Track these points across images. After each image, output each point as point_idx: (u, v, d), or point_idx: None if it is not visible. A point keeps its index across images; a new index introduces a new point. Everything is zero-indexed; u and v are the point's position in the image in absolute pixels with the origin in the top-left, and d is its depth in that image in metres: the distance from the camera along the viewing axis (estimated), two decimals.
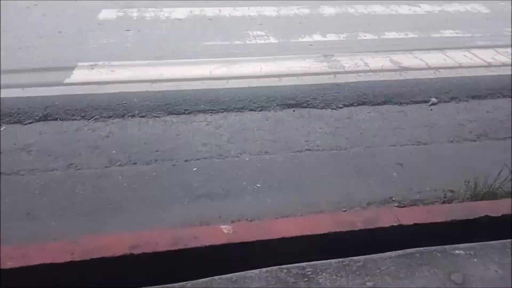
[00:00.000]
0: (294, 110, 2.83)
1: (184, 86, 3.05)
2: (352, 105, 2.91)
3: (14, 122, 2.58)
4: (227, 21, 4.29)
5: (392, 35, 4.07)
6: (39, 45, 3.61)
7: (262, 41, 3.87)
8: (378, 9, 4.74)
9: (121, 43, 3.73)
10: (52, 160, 2.26)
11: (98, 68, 3.24)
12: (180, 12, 4.45)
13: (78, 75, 3.14)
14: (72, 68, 3.22)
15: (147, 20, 4.25)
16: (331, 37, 3.99)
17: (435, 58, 3.57)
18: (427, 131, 2.63)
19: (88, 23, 4.12)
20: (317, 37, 3.98)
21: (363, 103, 2.92)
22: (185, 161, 2.30)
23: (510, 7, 4.93)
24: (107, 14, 4.36)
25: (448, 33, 4.16)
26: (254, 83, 3.13)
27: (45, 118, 2.63)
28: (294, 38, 3.96)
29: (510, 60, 3.57)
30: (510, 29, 4.27)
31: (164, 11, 4.48)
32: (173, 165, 2.26)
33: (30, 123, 2.59)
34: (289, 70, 3.33)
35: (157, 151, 2.37)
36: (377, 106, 2.90)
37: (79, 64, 3.29)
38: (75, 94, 2.87)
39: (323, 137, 2.54)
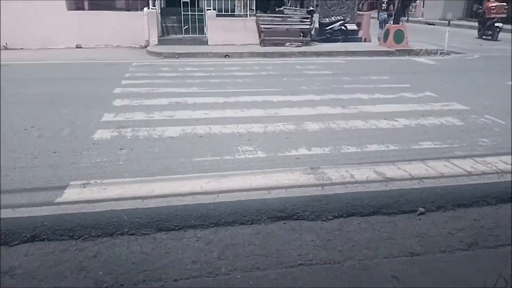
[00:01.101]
0: (284, 223, 2.84)
1: (175, 201, 3.08)
2: (341, 216, 2.93)
3: (1, 244, 2.53)
4: (217, 138, 4.50)
5: (374, 147, 4.29)
6: (33, 165, 3.70)
7: (251, 156, 4.03)
8: (359, 124, 5.06)
9: (114, 161, 3.84)
10: (36, 284, 2.16)
11: (90, 187, 3.29)
12: (173, 131, 4.68)
13: (70, 194, 3.17)
14: (64, 187, 3.26)
15: (140, 139, 4.45)
16: (317, 150, 4.18)
17: (417, 169, 3.72)
18: (418, 241, 2.63)
19: (83, 143, 4.28)
20: (303, 151, 4.16)
21: (353, 214, 2.95)
22: (174, 280, 2.22)
23: (482, 119, 5.31)
24: (102, 134, 4.56)
25: (426, 144, 4.39)
26: (244, 196, 3.18)
27: (32, 239, 2.59)
28: (281, 152, 4.13)
29: (489, 169, 3.74)
30: (484, 140, 4.54)
31: (157, 130, 4.71)
32: (162, 285, 2.17)
33: (17, 244, 2.54)
34: (277, 183, 3.42)
35: (145, 270, 2.30)
36: (366, 217, 2.93)
37: (71, 183, 3.34)
38: (65, 214, 2.86)
39: (315, 250, 2.51)
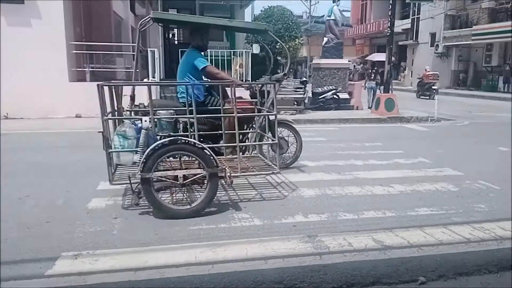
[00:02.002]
0: None
1: (168, 273, 2.99)
2: (341, 287, 2.84)
3: None
4: (213, 205, 4.47)
5: (370, 214, 4.26)
6: (25, 235, 3.63)
7: (247, 223, 3.99)
8: (354, 190, 5.08)
9: (107, 231, 3.78)
10: None
11: (81, 258, 3.21)
12: None
13: (61, 266, 3.08)
14: (55, 258, 3.18)
15: (135, 208, 4.40)
16: (313, 217, 4.15)
17: (415, 236, 3.67)
18: None
19: (77, 212, 4.24)
20: (299, 218, 4.13)
21: (352, 285, 2.86)
22: None
23: (477, 185, 5.35)
24: (97, 203, 4.53)
25: (423, 210, 4.38)
26: (240, 267, 3.10)
27: None
28: (278, 219, 4.10)
29: (487, 236, 3.70)
30: (480, 205, 4.54)
31: None
32: None
33: None
34: (275, 252, 3.35)
35: None
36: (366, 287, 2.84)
37: (63, 254, 3.26)
38: (54, 287, 2.76)
39: None
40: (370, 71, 17.76)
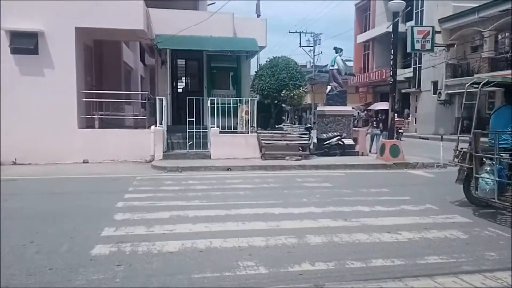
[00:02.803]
0: None
1: None
2: None
3: None
4: (217, 252, 4.41)
5: (379, 262, 4.17)
6: (27, 283, 3.58)
7: (253, 272, 3.90)
8: (362, 237, 4.99)
9: (110, 278, 3.71)
10: None
11: None
12: (172, 245, 4.61)
13: None
14: None
15: (139, 254, 4.35)
16: (320, 265, 4.06)
17: (425, 285, 3.57)
18: None
19: (80, 259, 4.18)
20: (306, 266, 4.04)
21: None
22: None
23: (486, 232, 5.25)
24: (101, 249, 4.48)
25: (432, 259, 4.28)
26: None
27: None
28: (284, 267, 4.01)
29: (500, 285, 3.59)
30: (491, 253, 4.43)
31: (156, 244, 4.64)
32: None
33: None
34: None
35: None
36: None
37: None
38: None
39: None
40: (374, 118, 18.11)
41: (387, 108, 16.35)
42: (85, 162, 11.64)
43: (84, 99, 12.01)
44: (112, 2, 12.37)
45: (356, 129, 15.75)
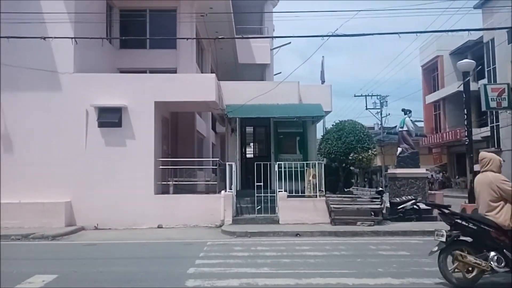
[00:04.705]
0: None
1: None
2: None
3: None
4: None
5: None
6: None
7: None
8: None
9: None
10: None
11: None
12: None
13: None
14: None
15: None
16: None
17: None
18: None
19: None
20: None
21: None
22: None
23: None
24: None
25: None
26: None
27: None
28: None
29: None
30: None
31: None
32: None
33: None
34: None
35: None
36: None
37: None
38: None
39: None
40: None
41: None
42: (159, 227, 12.11)
43: (161, 167, 12.79)
44: (187, 77, 13.54)
45: (432, 192, 14.89)
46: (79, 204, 12.08)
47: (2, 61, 11.97)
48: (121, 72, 15.18)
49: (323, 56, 20.79)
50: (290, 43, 23.11)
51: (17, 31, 11.41)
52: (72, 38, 11.55)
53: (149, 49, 16.14)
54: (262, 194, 12.28)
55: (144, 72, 15.00)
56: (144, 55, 15.89)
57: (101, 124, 12.43)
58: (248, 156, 15.69)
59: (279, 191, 12.29)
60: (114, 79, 13.27)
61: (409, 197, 13.01)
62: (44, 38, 11.27)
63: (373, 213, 12.15)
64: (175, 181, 12.86)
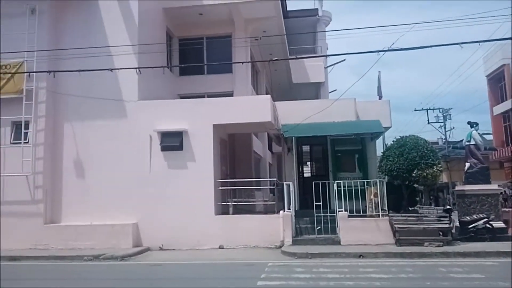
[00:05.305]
0: None
1: None
2: None
3: None
4: None
5: None
6: None
7: None
8: None
9: None
10: None
11: None
12: None
13: None
14: None
15: None
16: None
17: None
18: None
19: None
20: None
21: None
22: None
23: None
24: None
25: None
26: None
27: None
28: None
29: None
30: None
31: None
32: None
33: None
34: None
35: None
36: None
37: None
38: None
39: None
40: None
41: None
42: (220, 247, 12.28)
43: (220, 188, 13.06)
44: (242, 99, 13.86)
45: (507, 209, 13.81)
46: (145, 225, 12.60)
47: (71, 92, 13.11)
48: (181, 97, 15.88)
49: (379, 71, 20.23)
50: (344, 60, 22.93)
51: (86, 64, 12.39)
52: (136, 68, 12.34)
53: (206, 74, 16.76)
54: (322, 214, 12.07)
55: (203, 96, 15.56)
56: (202, 81, 16.53)
57: (163, 148, 12.98)
58: (305, 175, 15.58)
59: (339, 211, 12.02)
60: (175, 104, 13.90)
61: (481, 215, 12.17)
62: (111, 69, 12.15)
63: (441, 233, 11.48)
64: (234, 201, 13.03)
